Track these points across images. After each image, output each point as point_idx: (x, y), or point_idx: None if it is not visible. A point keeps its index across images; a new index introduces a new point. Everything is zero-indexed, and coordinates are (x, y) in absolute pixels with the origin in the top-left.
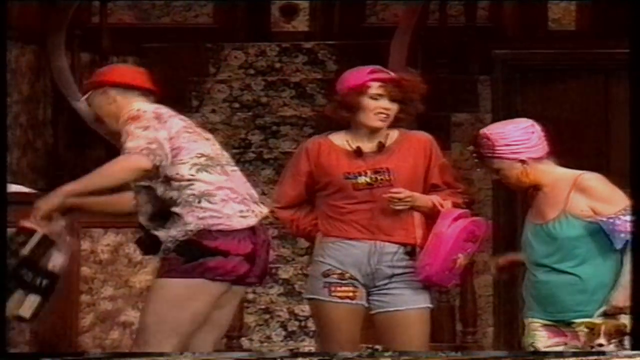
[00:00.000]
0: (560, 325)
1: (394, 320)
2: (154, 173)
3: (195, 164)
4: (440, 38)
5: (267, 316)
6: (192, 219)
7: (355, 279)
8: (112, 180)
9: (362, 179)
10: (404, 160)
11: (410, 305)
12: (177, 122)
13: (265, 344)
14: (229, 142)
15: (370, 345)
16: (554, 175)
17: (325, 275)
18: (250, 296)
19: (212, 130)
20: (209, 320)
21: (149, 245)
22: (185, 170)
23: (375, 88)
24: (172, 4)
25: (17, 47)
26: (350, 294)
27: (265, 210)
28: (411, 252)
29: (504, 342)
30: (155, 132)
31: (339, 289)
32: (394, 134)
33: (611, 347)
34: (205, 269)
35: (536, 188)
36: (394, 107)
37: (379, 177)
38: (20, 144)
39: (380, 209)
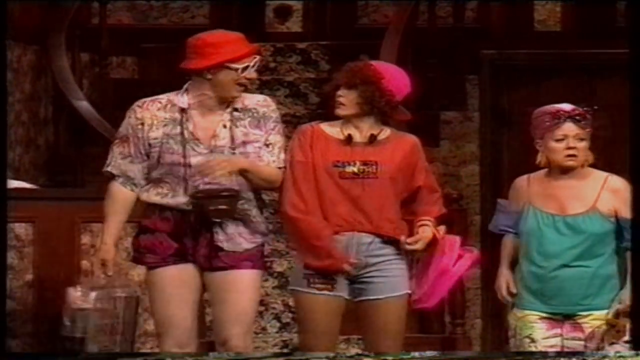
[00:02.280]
0: (558, 317)
1: (375, 308)
2: None
3: None
4: (429, 39)
5: (262, 308)
6: (264, 223)
7: None
8: (268, 181)
9: (349, 168)
10: (391, 157)
11: (389, 293)
12: None
13: (260, 335)
14: None
15: (360, 337)
16: (588, 168)
17: (307, 267)
18: None
19: None
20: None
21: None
22: None
23: None
24: (170, 5)
25: (19, 47)
26: (329, 286)
27: None
28: (391, 243)
29: (491, 334)
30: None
31: (317, 280)
32: (386, 132)
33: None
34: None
35: (559, 176)
36: (347, 95)
37: (366, 169)
38: (22, 141)
39: (361, 200)
